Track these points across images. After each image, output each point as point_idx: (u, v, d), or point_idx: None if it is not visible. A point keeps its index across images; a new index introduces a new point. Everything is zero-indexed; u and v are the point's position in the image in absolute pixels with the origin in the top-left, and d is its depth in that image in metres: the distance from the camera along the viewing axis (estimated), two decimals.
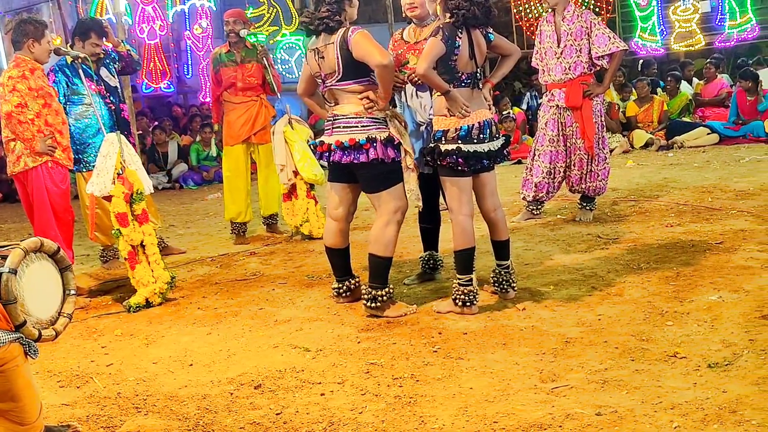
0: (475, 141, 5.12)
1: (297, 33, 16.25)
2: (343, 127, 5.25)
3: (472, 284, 5.17)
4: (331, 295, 5.71)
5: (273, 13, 15.91)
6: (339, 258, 5.58)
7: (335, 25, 5.21)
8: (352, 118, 5.23)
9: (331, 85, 5.31)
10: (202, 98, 16.36)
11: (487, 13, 5.17)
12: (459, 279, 5.20)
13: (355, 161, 5.18)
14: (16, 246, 3.90)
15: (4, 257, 3.93)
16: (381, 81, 5.12)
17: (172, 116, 16.05)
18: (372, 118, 5.20)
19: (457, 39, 5.08)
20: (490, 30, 5.33)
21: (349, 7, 5.29)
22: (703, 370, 3.93)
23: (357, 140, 5.15)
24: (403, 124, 5.31)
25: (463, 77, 5.16)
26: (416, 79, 5.36)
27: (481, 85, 5.28)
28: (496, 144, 5.25)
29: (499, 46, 5.46)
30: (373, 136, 5.15)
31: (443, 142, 5.13)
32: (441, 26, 5.10)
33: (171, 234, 8.77)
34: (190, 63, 16.72)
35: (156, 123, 14.66)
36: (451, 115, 5.14)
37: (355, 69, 5.16)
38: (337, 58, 5.17)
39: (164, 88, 16.64)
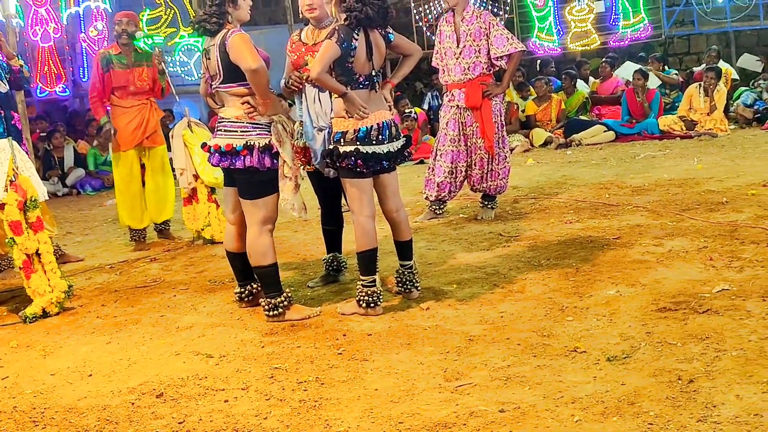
0: (374, 142, 5.11)
1: (195, 35, 16.03)
2: (224, 131, 5.20)
3: (375, 285, 5.17)
4: (234, 299, 5.64)
5: (170, 15, 15.65)
6: (240, 262, 5.50)
7: (214, 28, 5.15)
8: (234, 122, 5.18)
9: (216, 88, 5.27)
10: None
11: (384, 14, 5.17)
12: (362, 280, 5.19)
13: (231, 167, 5.14)
14: None
15: None
16: (254, 86, 5.06)
17: (68, 120, 15.67)
18: (254, 123, 5.15)
19: (353, 41, 5.06)
20: (390, 30, 5.34)
21: (233, 9, 5.20)
22: (602, 363, 4.00)
23: (233, 146, 5.10)
24: (288, 130, 5.25)
25: (361, 78, 5.15)
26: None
27: (380, 86, 5.28)
28: (395, 145, 5.25)
29: (400, 45, 5.46)
30: (252, 143, 5.10)
31: (342, 143, 5.11)
32: (336, 28, 5.08)
33: (68, 241, 8.55)
34: (85, 66, 16.30)
35: (51, 127, 14.28)
36: (349, 117, 5.12)
37: (234, 72, 5.10)
38: (218, 61, 5.12)
39: (59, 91, 16.20)
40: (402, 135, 5.38)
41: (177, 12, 15.66)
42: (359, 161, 5.08)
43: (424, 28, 15.86)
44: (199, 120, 8.20)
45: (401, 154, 5.33)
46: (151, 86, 7.87)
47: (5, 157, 5.87)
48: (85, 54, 16.20)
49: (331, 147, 5.18)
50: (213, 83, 5.28)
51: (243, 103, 5.15)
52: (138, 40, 7.80)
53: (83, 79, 16.27)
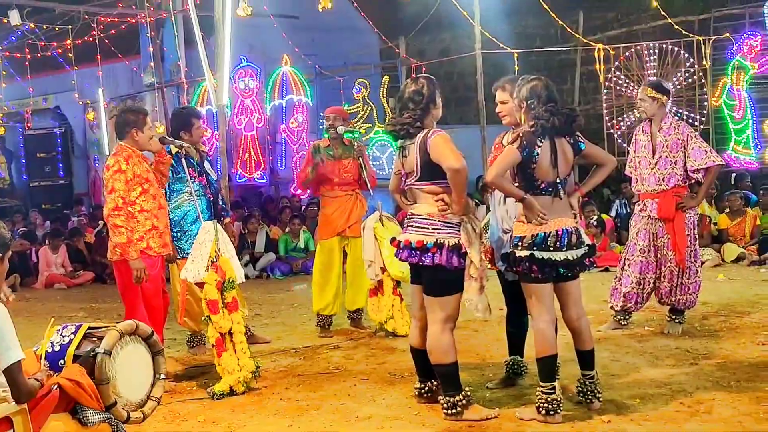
0: (552, 248, 5.11)
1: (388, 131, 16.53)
2: (416, 227, 5.31)
3: (555, 392, 5.12)
4: (413, 394, 5.70)
5: (367, 111, 16.26)
6: (422, 358, 5.55)
7: (415, 132, 5.30)
8: (426, 219, 5.28)
9: (411, 184, 5.40)
10: (293, 190, 16.69)
11: (570, 121, 5.21)
12: (542, 386, 5.15)
13: (420, 263, 5.23)
14: (113, 327, 4.03)
15: (101, 338, 4.07)
16: (453, 185, 5.15)
17: (263, 206, 16.38)
18: (445, 221, 5.24)
19: (536, 148, 5.11)
20: (582, 139, 5.36)
21: (434, 110, 5.37)
22: None
23: (424, 243, 5.19)
24: (477, 231, 5.30)
25: (543, 185, 5.19)
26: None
27: (564, 193, 5.28)
28: (575, 253, 5.22)
29: (593, 155, 5.48)
30: (442, 241, 5.18)
31: (519, 248, 5.15)
32: (521, 134, 5.16)
33: (256, 323, 8.88)
34: (283, 155, 17.11)
35: (248, 213, 14.97)
36: (527, 222, 5.16)
37: (432, 170, 5.21)
38: (417, 159, 5.25)
39: (257, 178, 17.03)
40: (586, 243, 5.34)
41: (374, 108, 16.25)
42: (534, 266, 5.09)
43: (615, 135, 15.77)
44: (390, 214, 8.42)
45: (581, 262, 5.29)
46: (356, 178, 8.19)
47: (209, 238, 6.20)
48: (284, 144, 17.01)
49: (510, 250, 5.22)
50: (408, 180, 5.43)
51: (437, 201, 5.27)
52: (345, 134, 8.15)
53: (280, 168, 17.05)
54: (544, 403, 5.10)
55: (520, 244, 5.16)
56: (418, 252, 5.24)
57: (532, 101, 5.25)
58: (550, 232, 5.13)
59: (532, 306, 5.24)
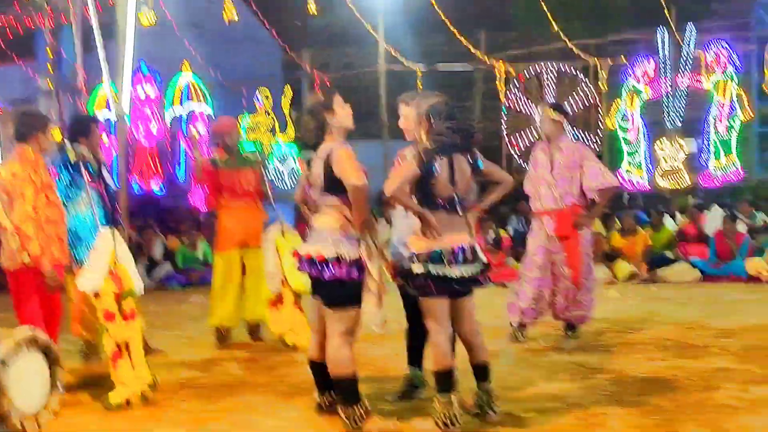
0: (446, 264, 5.17)
1: (291, 143, 16.51)
2: (317, 239, 5.31)
3: (453, 405, 5.17)
4: (314, 407, 5.68)
5: (270, 122, 16.19)
6: (321, 371, 5.54)
7: (316, 141, 5.32)
8: (327, 232, 5.28)
9: (314, 197, 5.42)
10: (191, 201, 16.50)
11: (469, 137, 5.29)
12: (439, 399, 5.20)
13: (320, 276, 5.24)
14: (9, 336, 3.91)
15: None
16: (353, 201, 5.17)
17: (160, 217, 16.13)
18: (346, 234, 5.25)
19: (435, 164, 5.18)
20: (480, 157, 5.44)
21: (331, 117, 5.35)
22: None
23: (324, 256, 5.20)
24: (377, 246, 5.33)
25: (440, 201, 5.24)
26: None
27: (461, 210, 5.34)
28: (470, 269, 5.27)
29: (490, 173, 5.58)
30: (342, 255, 5.20)
31: (415, 263, 5.19)
32: (420, 150, 5.22)
33: (153, 334, 8.68)
34: (182, 165, 16.88)
35: (144, 223, 14.72)
36: (424, 238, 5.21)
37: (335, 184, 5.21)
38: (320, 172, 5.26)
39: (155, 188, 16.77)
40: (481, 260, 5.39)
41: (275, 120, 16.19)
42: (429, 282, 5.15)
43: (514, 153, 16.08)
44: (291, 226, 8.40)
45: (476, 279, 5.36)
46: (256, 189, 8.13)
47: (108, 247, 6.08)
48: (183, 154, 16.79)
49: (406, 266, 5.27)
50: (311, 192, 5.43)
51: (339, 215, 5.28)
52: (241, 144, 8.11)
53: (179, 179, 16.82)
54: (442, 416, 5.15)
55: (416, 259, 5.20)
56: (318, 265, 5.24)
57: (433, 118, 5.31)
58: (446, 248, 5.18)
59: (428, 320, 5.30)
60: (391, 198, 5.19)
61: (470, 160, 5.36)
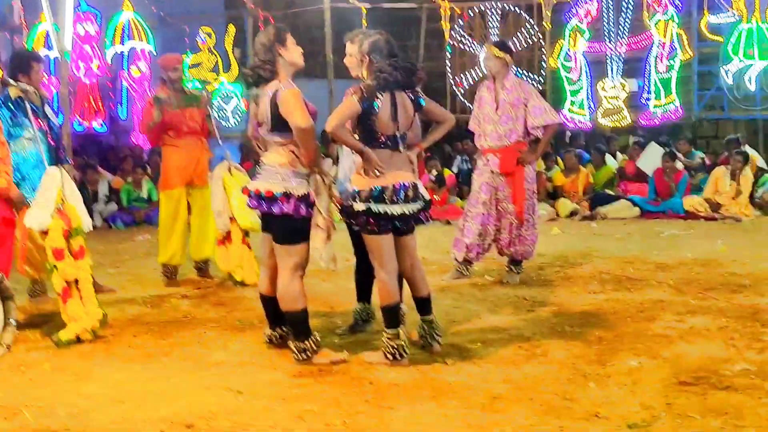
0: (388, 202, 5.23)
1: (235, 82, 16.37)
2: (266, 176, 5.35)
3: (400, 338, 5.29)
4: (264, 340, 5.78)
5: (213, 61, 16.03)
6: (272, 305, 5.62)
7: (268, 75, 5.32)
8: (275, 168, 5.31)
9: (262, 134, 5.45)
10: (134, 139, 16.32)
11: (411, 75, 5.35)
12: (387, 333, 5.32)
13: (269, 212, 5.30)
14: None
15: None
16: (300, 142, 5.21)
17: (102, 156, 15.96)
18: (294, 171, 5.30)
19: (376, 100, 5.21)
20: (422, 95, 5.49)
21: (284, 51, 5.34)
22: (623, 430, 4.12)
23: (273, 192, 5.25)
24: (326, 183, 5.40)
25: (383, 138, 5.28)
26: None
27: (404, 147, 5.39)
28: (411, 207, 5.34)
29: (432, 111, 5.63)
30: (290, 191, 5.25)
31: (357, 201, 5.26)
32: (361, 86, 5.27)
33: (100, 273, 8.68)
34: (124, 104, 16.63)
35: (87, 162, 14.55)
36: (366, 175, 5.29)
37: (282, 123, 5.23)
38: (267, 110, 5.29)
39: (97, 127, 16.54)
40: (424, 198, 5.47)
41: (219, 58, 16.03)
42: (371, 219, 5.23)
43: (458, 94, 16.14)
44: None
45: (417, 216, 5.45)
46: (201, 126, 8.12)
47: (55, 185, 6.06)
48: (125, 92, 16.54)
49: (348, 203, 5.35)
50: (260, 129, 5.46)
51: (287, 152, 5.32)
52: (193, 85, 8.06)
53: (121, 117, 16.59)
54: (390, 348, 5.28)
55: (357, 197, 5.26)
56: (267, 201, 5.29)
57: (374, 55, 5.35)
58: (388, 186, 5.23)
59: (372, 257, 5.39)
60: (332, 134, 5.22)
61: (412, 98, 5.41)
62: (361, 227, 5.32)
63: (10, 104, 6.83)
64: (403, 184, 5.28)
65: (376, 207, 5.21)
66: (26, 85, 6.89)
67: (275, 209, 5.26)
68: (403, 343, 5.29)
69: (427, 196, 5.54)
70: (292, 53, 5.41)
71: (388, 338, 5.30)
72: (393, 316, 5.36)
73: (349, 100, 5.22)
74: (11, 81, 6.76)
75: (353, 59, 5.65)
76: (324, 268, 5.61)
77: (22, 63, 7.14)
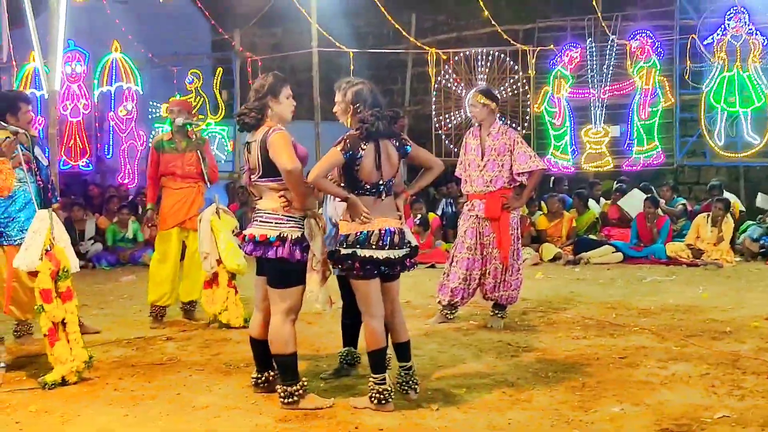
0: (374, 247, 5.29)
1: (221, 123, 16.49)
2: (260, 221, 5.42)
3: (386, 383, 5.33)
4: (250, 384, 5.79)
5: (200, 102, 16.15)
6: (262, 349, 5.65)
7: (253, 122, 5.40)
8: (270, 214, 5.39)
9: (255, 180, 5.52)
10: (120, 179, 16.38)
11: (391, 123, 5.42)
12: (373, 377, 5.36)
13: (263, 256, 5.36)
14: None
15: None
16: (288, 184, 5.29)
17: (87, 195, 15.99)
18: (288, 216, 5.37)
19: (360, 150, 5.28)
20: (408, 141, 5.57)
21: (274, 104, 5.45)
22: None
23: (267, 237, 5.32)
24: (320, 225, 5.46)
25: (367, 186, 5.36)
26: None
27: (388, 194, 5.45)
28: (397, 253, 5.39)
29: (419, 157, 5.69)
30: (284, 235, 5.31)
31: (343, 246, 5.32)
32: (345, 137, 5.35)
33: (85, 313, 8.68)
34: (111, 143, 16.70)
35: (72, 201, 14.58)
36: (351, 221, 5.36)
37: (273, 167, 5.31)
38: (258, 156, 5.36)
39: (83, 166, 16.60)
40: (410, 244, 5.51)
41: (206, 100, 16.15)
42: (356, 264, 5.29)
43: (443, 137, 16.28)
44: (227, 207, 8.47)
45: (402, 262, 5.48)
46: (198, 171, 8.22)
47: (44, 227, 6.10)
48: (111, 132, 16.62)
49: (334, 248, 5.41)
50: (252, 176, 5.53)
51: (280, 197, 5.39)
52: (187, 126, 8.16)
53: (107, 156, 16.66)
54: (376, 393, 5.31)
55: (344, 242, 5.33)
56: (262, 246, 5.35)
57: (358, 105, 5.44)
58: (373, 231, 5.30)
59: (360, 301, 5.44)
60: (314, 184, 5.30)
61: (397, 145, 5.50)
62: (348, 272, 5.37)
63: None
64: (389, 230, 5.35)
65: (361, 252, 5.27)
66: (15, 126, 6.92)
67: (270, 253, 5.31)
68: (389, 387, 5.33)
69: (414, 242, 5.61)
70: (283, 107, 5.52)
71: (375, 383, 5.33)
72: (380, 360, 5.40)
73: (333, 151, 5.30)
74: (1, 123, 6.79)
75: (340, 107, 5.74)
76: (320, 310, 5.63)
77: (10, 104, 7.17)
